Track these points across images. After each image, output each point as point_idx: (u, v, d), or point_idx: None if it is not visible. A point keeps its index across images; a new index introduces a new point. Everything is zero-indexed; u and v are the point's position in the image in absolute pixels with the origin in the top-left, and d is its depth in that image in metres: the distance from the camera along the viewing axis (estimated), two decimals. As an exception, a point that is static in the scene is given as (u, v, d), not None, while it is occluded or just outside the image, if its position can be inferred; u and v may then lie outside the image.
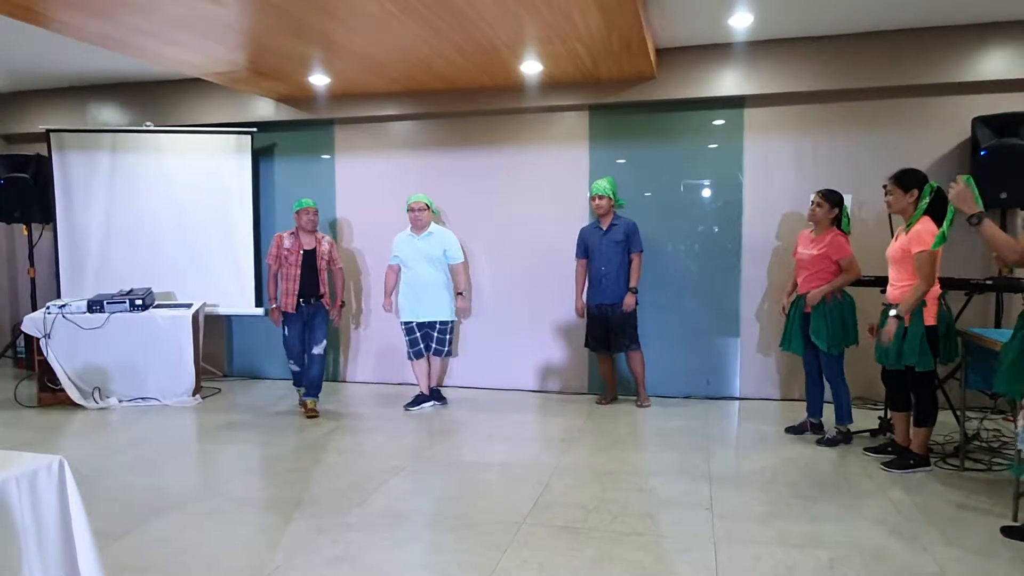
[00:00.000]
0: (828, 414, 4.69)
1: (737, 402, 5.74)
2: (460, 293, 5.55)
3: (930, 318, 3.83)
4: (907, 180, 3.94)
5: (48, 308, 5.65)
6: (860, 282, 4.60)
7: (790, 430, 4.77)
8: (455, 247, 5.55)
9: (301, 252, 5.41)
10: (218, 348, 6.90)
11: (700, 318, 5.85)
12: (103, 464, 4.20)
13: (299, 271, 5.39)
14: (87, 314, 5.63)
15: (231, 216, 6.43)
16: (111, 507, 3.53)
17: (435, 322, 5.51)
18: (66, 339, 5.58)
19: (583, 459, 4.28)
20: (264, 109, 6.49)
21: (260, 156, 6.61)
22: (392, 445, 4.63)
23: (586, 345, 5.65)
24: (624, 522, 3.32)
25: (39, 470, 1.76)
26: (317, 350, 5.44)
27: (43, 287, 6.90)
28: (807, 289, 4.51)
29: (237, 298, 6.48)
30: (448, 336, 5.61)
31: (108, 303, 5.70)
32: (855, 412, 4.69)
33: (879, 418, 4.75)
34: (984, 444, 4.34)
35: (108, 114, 6.89)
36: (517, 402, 5.81)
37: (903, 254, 3.87)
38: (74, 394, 5.57)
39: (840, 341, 4.41)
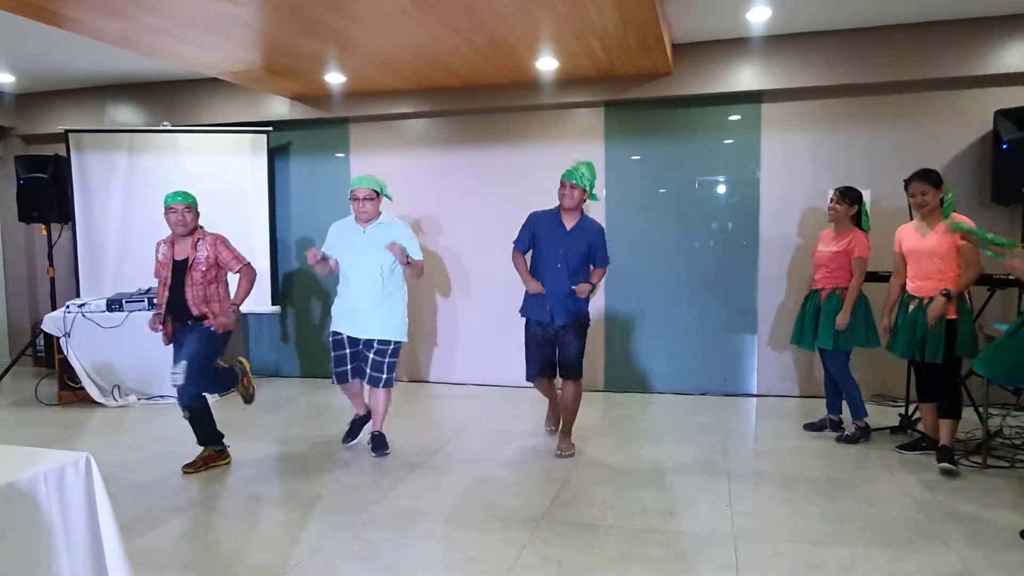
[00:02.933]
0: (845, 411, 4.66)
1: (755, 399, 5.71)
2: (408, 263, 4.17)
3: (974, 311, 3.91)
4: (935, 177, 3.96)
5: (68, 307, 5.70)
6: (877, 278, 4.56)
7: (809, 427, 4.74)
8: (412, 242, 4.23)
9: (171, 264, 4.06)
10: (235, 346, 6.92)
11: (717, 315, 5.82)
12: (123, 461, 4.23)
13: (165, 292, 4.05)
14: (106, 313, 5.68)
15: (247, 215, 6.46)
16: (132, 503, 3.56)
17: (372, 340, 4.17)
18: (85, 338, 5.63)
19: (600, 456, 4.26)
20: (279, 108, 6.51)
21: (276, 155, 6.63)
22: (408, 442, 4.64)
23: (528, 378, 4.41)
24: (643, 519, 3.31)
25: (66, 466, 1.78)
26: (174, 376, 3.93)
27: (62, 286, 6.96)
28: (823, 285, 4.50)
29: (253, 296, 6.45)
30: (388, 360, 4.19)
31: (127, 302, 5.74)
32: (874, 410, 4.65)
33: (900, 415, 4.71)
34: (1007, 440, 4.29)
35: (125, 114, 6.94)
36: (533, 399, 5.80)
37: (948, 246, 3.88)
38: (94, 392, 5.63)
39: (852, 339, 4.39)
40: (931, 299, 3.92)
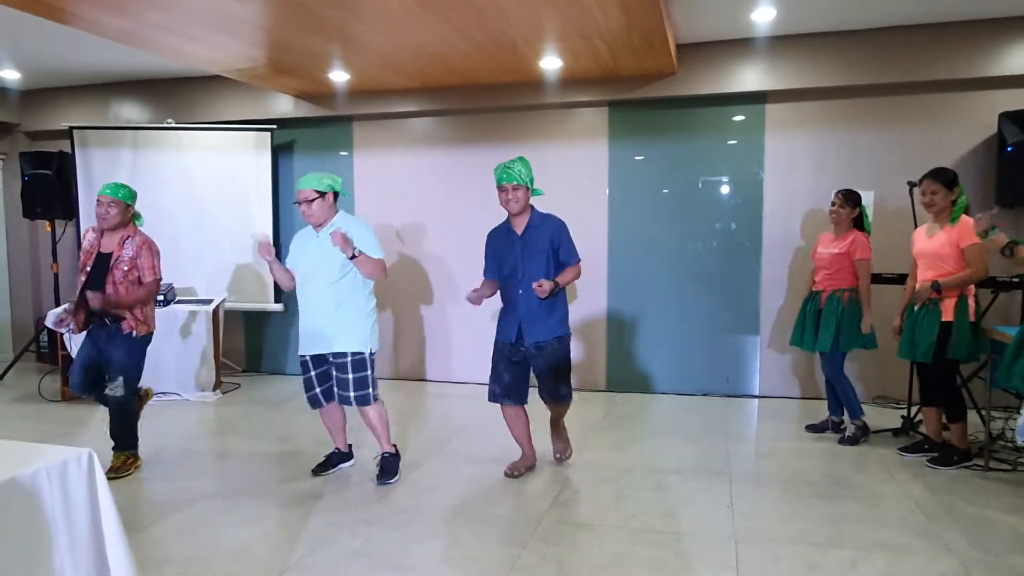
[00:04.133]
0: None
1: (756, 400, 5.70)
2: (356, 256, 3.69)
3: (971, 314, 3.87)
4: (948, 178, 3.94)
5: (72, 303, 5.70)
6: (881, 279, 4.56)
7: (810, 428, 4.74)
8: (369, 241, 3.76)
9: (94, 255, 3.93)
10: (237, 343, 6.95)
11: (719, 316, 5.81)
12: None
13: (85, 278, 3.90)
14: (109, 309, 5.68)
15: (251, 212, 6.47)
16: (133, 500, 3.58)
17: (327, 355, 3.77)
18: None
19: (601, 456, 4.27)
20: (283, 106, 6.52)
21: (279, 153, 6.64)
22: (409, 441, 4.64)
23: (492, 397, 3.97)
24: (643, 520, 3.31)
25: (69, 462, 1.79)
26: (111, 389, 3.88)
27: (66, 282, 6.97)
28: (824, 287, 4.50)
29: (256, 294, 6.53)
30: (353, 377, 3.72)
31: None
32: (876, 412, 4.64)
33: (902, 417, 4.70)
34: (1009, 444, 4.28)
35: (130, 111, 6.95)
36: (533, 399, 5.80)
37: (952, 249, 3.87)
38: (96, 388, 5.63)
39: (852, 341, 4.39)
40: (935, 301, 3.92)
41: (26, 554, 1.69)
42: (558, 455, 4.11)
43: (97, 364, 3.98)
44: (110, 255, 3.90)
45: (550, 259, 3.73)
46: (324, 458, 4.03)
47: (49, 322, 4.06)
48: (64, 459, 1.78)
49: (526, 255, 3.73)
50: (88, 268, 3.92)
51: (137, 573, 1.91)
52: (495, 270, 3.86)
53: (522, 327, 3.74)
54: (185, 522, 3.32)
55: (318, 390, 3.84)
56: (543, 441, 4.19)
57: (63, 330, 4.08)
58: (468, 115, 6.27)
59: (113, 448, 3.97)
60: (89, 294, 3.79)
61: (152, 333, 4.06)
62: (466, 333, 6.34)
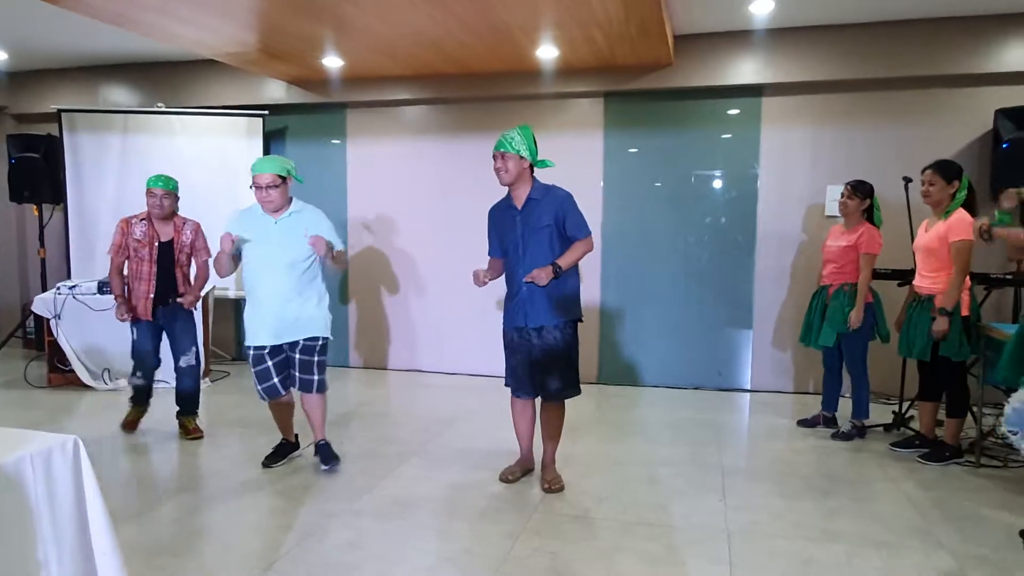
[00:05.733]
0: (841, 409, 4.66)
1: (748, 394, 5.70)
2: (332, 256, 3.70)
3: (964, 308, 3.85)
4: (950, 171, 3.91)
5: (58, 289, 5.63)
6: (878, 275, 4.54)
7: (803, 423, 4.73)
8: (330, 232, 3.72)
9: (156, 244, 4.27)
10: (227, 331, 6.88)
11: (712, 309, 5.80)
12: (113, 445, 4.20)
13: (154, 268, 4.24)
14: (97, 295, 5.61)
15: (241, 199, 6.36)
16: (121, 488, 3.54)
17: (298, 341, 3.70)
18: (76, 320, 5.56)
19: (593, 449, 4.25)
20: (276, 92, 6.44)
21: (271, 139, 6.57)
22: (401, 432, 4.61)
23: (507, 384, 3.69)
24: (635, 512, 3.30)
25: (53, 449, 1.74)
26: (186, 361, 4.36)
27: (53, 268, 6.89)
28: (831, 281, 4.46)
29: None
30: (317, 359, 3.73)
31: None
32: (870, 407, 4.63)
33: (893, 412, 4.71)
34: (1000, 440, 4.28)
35: (120, 95, 6.85)
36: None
37: (940, 243, 3.85)
38: (84, 375, 5.58)
39: (866, 336, 4.36)
40: (929, 297, 3.91)
41: (8, 544, 1.65)
42: (545, 485, 3.56)
43: (159, 346, 4.43)
44: (171, 242, 4.32)
45: (554, 235, 3.44)
46: (273, 449, 3.98)
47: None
48: (49, 446, 1.74)
49: (527, 232, 3.45)
50: (155, 257, 4.28)
51: (123, 562, 1.87)
52: (499, 249, 3.63)
53: (526, 310, 3.48)
54: (173, 511, 3.28)
55: (276, 380, 3.73)
56: (536, 434, 4.15)
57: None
58: (463, 104, 6.21)
59: (178, 414, 4.45)
60: (188, 300, 4.34)
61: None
62: (458, 323, 6.31)
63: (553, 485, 3.56)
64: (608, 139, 5.90)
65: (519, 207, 3.50)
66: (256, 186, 3.58)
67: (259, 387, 3.74)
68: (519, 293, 3.48)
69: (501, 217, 3.60)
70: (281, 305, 3.64)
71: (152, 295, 4.27)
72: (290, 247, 3.63)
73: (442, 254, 6.32)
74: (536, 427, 3.73)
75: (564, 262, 3.39)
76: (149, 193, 4.21)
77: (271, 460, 3.90)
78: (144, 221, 4.28)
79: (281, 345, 3.71)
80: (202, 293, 4.50)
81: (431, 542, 2.99)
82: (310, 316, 3.69)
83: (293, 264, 3.63)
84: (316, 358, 3.73)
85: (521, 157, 3.42)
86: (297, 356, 3.71)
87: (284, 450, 3.98)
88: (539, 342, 3.49)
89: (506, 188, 3.58)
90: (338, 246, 3.74)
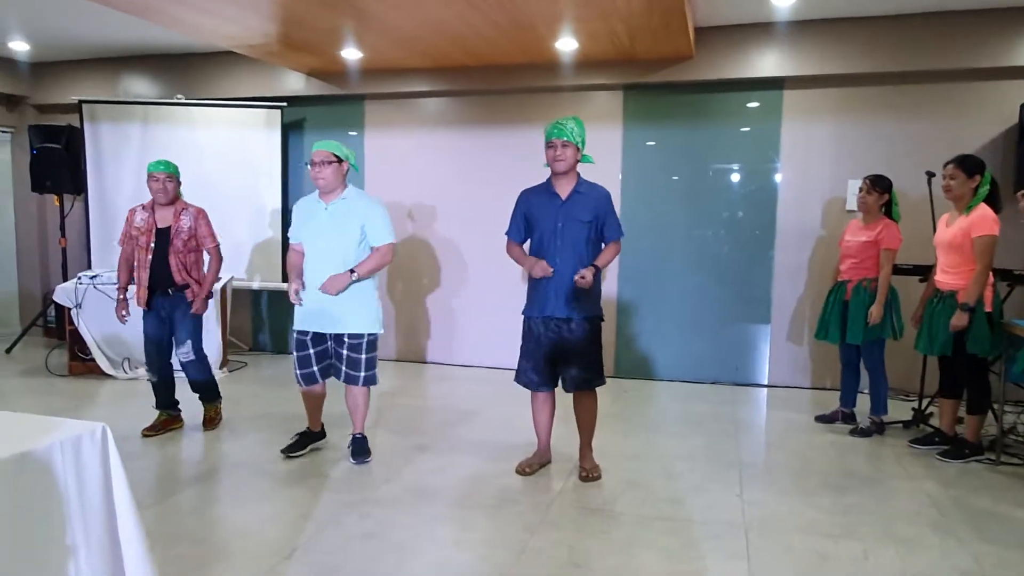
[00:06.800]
0: (860, 404, 4.63)
1: (765, 389, 5.67)
2: (352, 271, 3.60)
3: (988, 304, 3.81)
4: (971, 165, 3.86)
5: (79, 278, 5.69)
6: (899, 271, 4.50)
7: (821, 419, 4.71)
8: (379, 223, 3.66)
9: (154, 231, 4.17)
10: (245, 322, 6.94)
11: (730, 304, 5.77)
12: (132, 433, 4.24)
13: (150, 256, 4.14)
14: (117, 285, 5.65)
15: (260, 190, 6.44)
16: (142, 476, 3.58)
17: (343, 336, 3.70)
18: (96, 309, 5.62)
19: (611, 442, 4.24)
20: (294, 83, 6.46)
21: (290, 130, 6.59)
22: (419, 422, 4.63)
23: (517, 379, 3.71)
24: (653, 506, 3.30)
25: (83, 436, 1.76)
26: (183, 355, 4.23)
27: (74, 257, 6.96)
28: (850, 277, 4.42)
29: (264, 272, 6.50)
30: (365, 357, 3.71)
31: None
32: (889, 404, 4.60)
33: (913, 409, 4.67)
34: (1021, 438, 4.25)
35: (140, 86, 6.90)
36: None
37: (963, 238, 3.81)
38: (104, 364, 5.64)
39: (882, 330, 4.32)
40: (951, 293, 3.88)
41: (39, 528, 1.67)
42: (583, 473, 3.64)
43: (165, 337, 4.28)
44: (168, 228, 4.15)
45: (592, 231, 3.46)
46: (296, 436, 3.99)
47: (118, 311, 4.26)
48: (78, 433, 1.76)
49: (568, 224, 3.43)
50: (152, 245, 4.13)
51: (148, 547, 1.90)
52: (521, 233, 3.61)
53: (557, 299, 3.46)
54: (193, 499, 3.31)
55: (315, 368, 3.75)
56: (568, 426, 4.15)
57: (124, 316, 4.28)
58: (481, 96, 6.21)
59: (203, 400, 4.42)
60: (196, 307, 4.18)
61: (210, 295, 4.39)
62: (475, 316, 6.32)
63: (592, 474, 3.62)
64: (627, 132, 5.88)
65: (563, 197, 3.47)
66: (312, 163, 3.61)
67: (298, 372, 3.77)
68: (550, 282, 3.46)
69: (537, 202, 3.54)
70: (325, 296, 3.61)
71: (148, 284, 4.16)
72: (338, 235, 3.61)
73: (459, 246, 6.33)
74: (555, 420, 3.77)
75: (601, 263, 3.45)
76: (151, 178, 4.10)
77: (292, 449, 3.91)
78: (146, 209, 4.21)
79: (325, 335, 3.72)
80: (210, 291, 4.30)
81: (449, 533, 3.00)
82: (357, 311, 3.65)
83: (341, 252, 3.60)
84: (364, 356, 3.71)
85: (578, 148, 3.41)
86: (345, 352, 3.70)
87: (307, 439, 3.98)
88: (568, 335, 3.49)
89: (547, 175, 3.56)
90: (384, 239, 3.68)
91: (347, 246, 3.62)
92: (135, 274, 4.24)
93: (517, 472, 3.70)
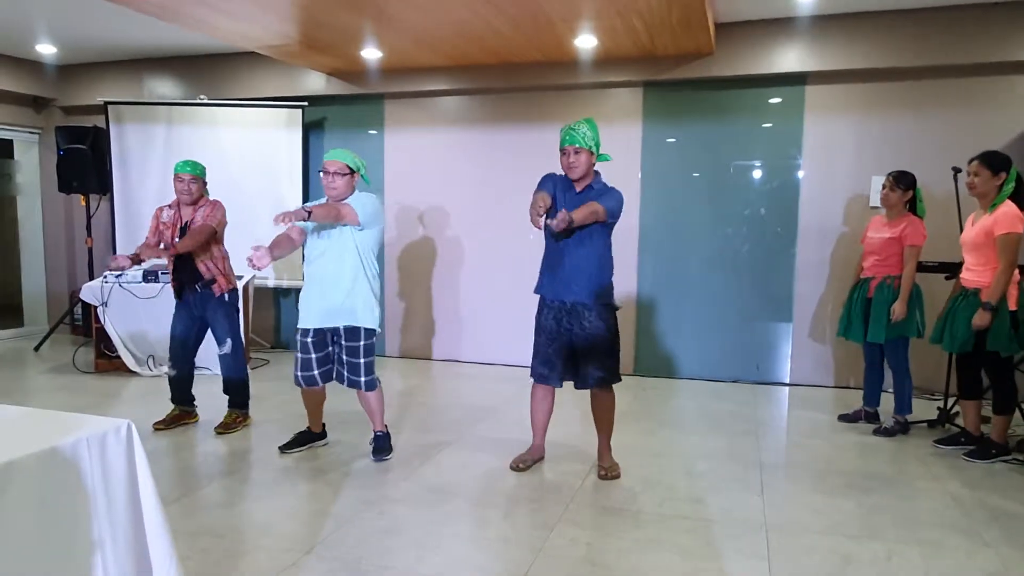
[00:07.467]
0: (883, 403, 4.57)
1: (787, 388, 5.63)
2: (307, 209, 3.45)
3: (1012, 302, 3.74)
4: (996, 162, 3.80)
5: (105, 277, 5.78)
6: (924, 268, 4.44)
7: (844, 418, 4.66)
8: (368, 206, 3.63)
9: (179, 227, 4.26)
10: (267, 320, 7.00)
11: (751, 301, 5.73)
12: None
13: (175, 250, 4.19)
14: (142, 284, 5.75)
15: (281, 189, 6.49)
16: (164, 471, 3.63)
17: (340, 333, 3.71)
18: (122, 308, 5.71)
19: (630, 440, 4.23)
20: (315, 83, 6.51)
21: (310, 130, 6.64)
22: (438, 420, 4.65)
23: (533, 374, 3.73)
24: (672, 505, 3.28)
25: (108, 433, 1.80)
26: (223, 350, 4.32)
27: (100, 257, 7.07)
28: (873, 274, 4.37)
29: (285, 270, 6.56)
30: (364, 361, 3.72)
31: (163, 273, 5.80)
32: (913, 403, 4.54)
33: (938, 409, 4.60)
34: (1049, 439, 4.17)
35: (164, 87, 6.99)
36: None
37: (986, 237, 3.75)
38: (129, 361, 5.72)
39: (905, 328, 4.26)
40: (975, 290, 3.82)
41: (65, 523, 1.70)
42: (602, 472, 3.65)
43: (192, 335, 4.36)
44: (188, 224, 4.24)
45: (603, 227, 3.49)
46: (293, 435, 4.03)
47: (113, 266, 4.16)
48: (104, 430, 1.79)
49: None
50: (177, 240, 4.20)
51: (173, 542, 1.93)
52: (551, 190, 3.53)
53: (568, 285, 3.50)
54: (215, 495, 3.35)
55: (316, 371, 3.74)
56: (587, 423, 4.16)
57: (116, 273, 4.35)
58: (500, 94, 6.21)
59: (230, 403, 4.41)
60: (180, 244, 4.09)
61: (236, 288, 4.40)
62: (495, 313, 6.33)
63: (611, 472, 3.63)
64: (647, 129, 5.85)
65: (578, 190, 3.53)
66: (324, 171, 3.64)
67: (298, 373, 3.77)
68: (562, 267, 3.52)
69: (557, 186, 3.55)
70: (332, 290, 3.66)
71: (175, 278, 4.26)
72: (342, 235, 3.66)
73: (479, 244, 6.34)
74: (574, 419, 3.76)
75: (578, 216, 3.27)
76: (177, 178, 4.16)
77: (288, 447, 3.96)
78: (171, 207, 4.30)
79: (326, 337, 3.74)
80: (192, 242, 4.11)
81: (467, 530, 3.01)
82: (360, 305, 3.68)
83: (344, 251, 3.66)
84: (363, 360, 3.72)
85: (591, 152, 3.45)
86: (346, 357, 3.72)
87: (304, 438, 4.03)
88: (581, 331, 3.51)
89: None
90: (360, 212, 3.57)
91: (349, 249, 3.66)
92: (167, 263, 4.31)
93: (511, 468, 3.73)
